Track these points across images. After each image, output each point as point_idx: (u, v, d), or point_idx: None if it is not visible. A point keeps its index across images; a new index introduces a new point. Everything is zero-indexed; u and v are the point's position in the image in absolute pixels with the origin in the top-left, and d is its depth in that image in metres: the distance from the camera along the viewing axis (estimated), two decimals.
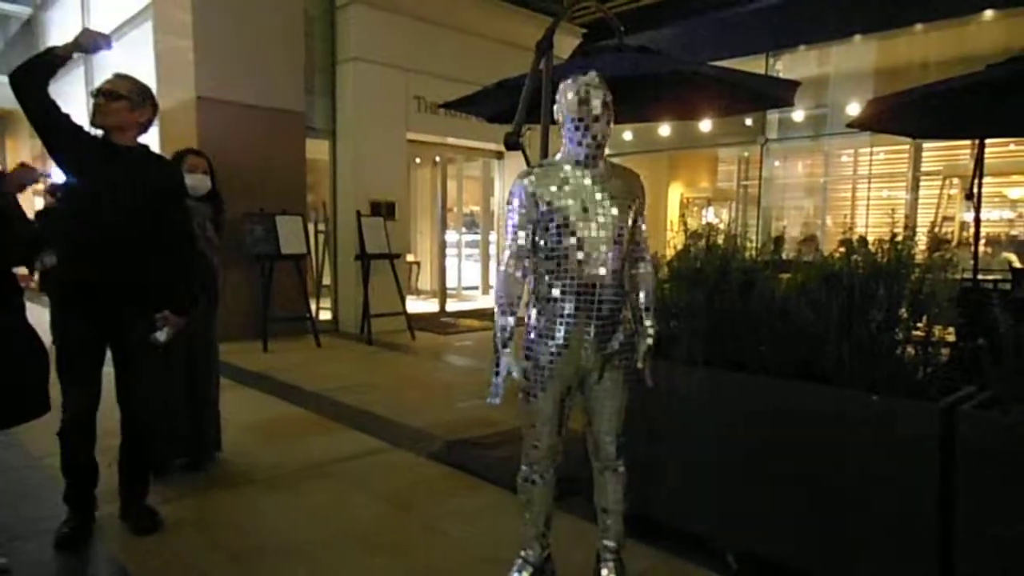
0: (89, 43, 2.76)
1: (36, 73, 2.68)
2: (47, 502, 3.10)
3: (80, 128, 2.79)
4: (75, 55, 2.76)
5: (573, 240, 2.22)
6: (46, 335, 2.85)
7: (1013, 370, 2.09)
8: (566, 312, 2.26)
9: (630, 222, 2.32)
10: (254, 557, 2.79)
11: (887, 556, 2.27)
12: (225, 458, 3.85)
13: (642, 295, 2.41)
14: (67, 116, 2.75)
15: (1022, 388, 2.08)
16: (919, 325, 2.39)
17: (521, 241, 2.27)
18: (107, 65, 2.85)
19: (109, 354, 2.91)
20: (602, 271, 2.24)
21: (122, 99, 2.82)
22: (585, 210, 2.24)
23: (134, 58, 8.19)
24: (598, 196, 2.26)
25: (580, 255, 2.23)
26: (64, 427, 2.82)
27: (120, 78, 2.90)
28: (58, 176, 3.25)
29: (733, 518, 2.66)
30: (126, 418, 2.97)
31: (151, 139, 3.08)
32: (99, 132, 2.85)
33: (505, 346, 2.27)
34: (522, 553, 2.53)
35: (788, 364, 2.56)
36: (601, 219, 2.24)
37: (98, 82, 2.95)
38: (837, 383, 2.41)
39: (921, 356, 2.38)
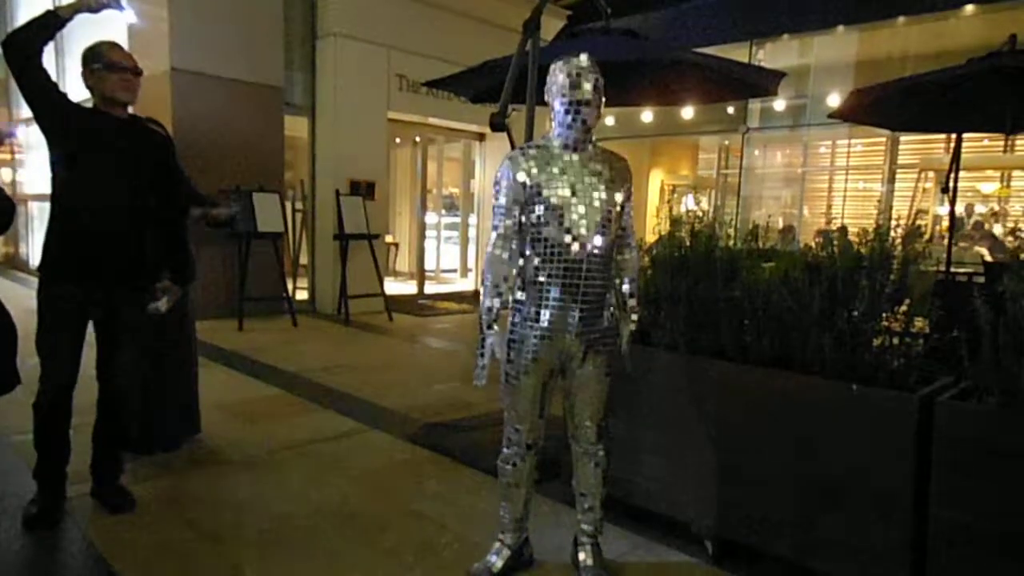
0: (98, 2, 2.59)
1: (31, 39, 2.50)
2: (14, 481, 3.03)
3: (75, 105, 2.69)
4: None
5: (561, 223, 2.20)
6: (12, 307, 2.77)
7: (990, 362, 2.12)
8: (551, 296, 2.24)
9: (618, 207, 2.31)
10: (228, 537, 2.76)
11: (862, 543, 2.30)
12: (199, 437, 3.80)
13: (627, 281, 2.43)
14: (64, 94, 2.64)
15: (999, 380, 2.11)
16: (898, 316, 2.42)
17: (508, 223, 2.25)
18: (72, 29, 2.66)
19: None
20: (589, 255, 2.23)
21: (140, 74, 2.75)
22: (573, 194, 2.22)
23: (103, 25, 7.91)
24: (586, 180, 2.24)
25: (567, 239, 2.21)
26: (41, 400, 2.74)
27: (119, 48, 2.76)
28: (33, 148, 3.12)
29: (711, 504, 2.68)
30: (105, 394, 2.91)
31: None
32: (82, 103, 2.73)
33: (490, 327, 2.27)
34: (500, 536, 2.53)
35: (769, 352, 2.57)
36: (589, 203, 2.23)
37: (73, 45, 2.81)
38: (817, 372, 2.43)
39: (899, 347, 2.41)
